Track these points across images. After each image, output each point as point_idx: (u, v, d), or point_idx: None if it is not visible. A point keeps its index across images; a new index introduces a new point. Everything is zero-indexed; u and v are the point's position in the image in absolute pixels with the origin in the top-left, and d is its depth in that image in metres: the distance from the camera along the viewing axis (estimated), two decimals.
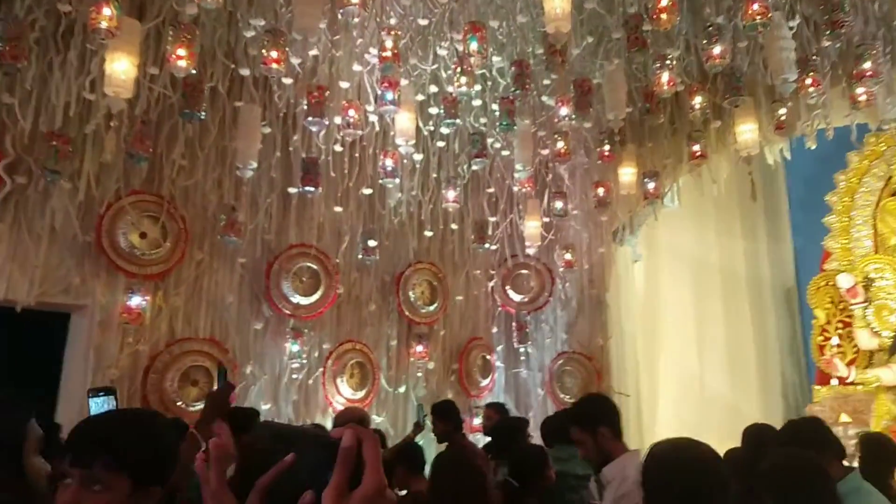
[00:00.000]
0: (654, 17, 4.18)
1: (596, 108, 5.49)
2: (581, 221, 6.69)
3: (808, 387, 8.75)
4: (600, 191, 6.24)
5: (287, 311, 5.71)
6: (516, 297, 6.95)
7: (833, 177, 8.55)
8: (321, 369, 5.86)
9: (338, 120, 5.57)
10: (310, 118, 5.09)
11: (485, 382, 6.72)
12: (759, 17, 4.11)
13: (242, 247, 5.49)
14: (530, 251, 6.57)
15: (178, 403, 5.08)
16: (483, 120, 6.20)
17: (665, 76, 4.98)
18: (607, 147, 6.00)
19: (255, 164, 4.97)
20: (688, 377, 7.77)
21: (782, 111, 5.19)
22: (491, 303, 6.99)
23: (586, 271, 6.72)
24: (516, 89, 5.18)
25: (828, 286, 8.46)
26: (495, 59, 5.53)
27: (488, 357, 6.79)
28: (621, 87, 5.21)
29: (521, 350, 6.87)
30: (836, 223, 8.53)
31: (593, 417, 2.71)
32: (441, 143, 6.30)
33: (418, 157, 6.01)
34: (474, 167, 6.21)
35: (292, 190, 5.67)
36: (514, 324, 6.91)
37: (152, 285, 5.16)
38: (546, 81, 5.82)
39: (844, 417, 8.05)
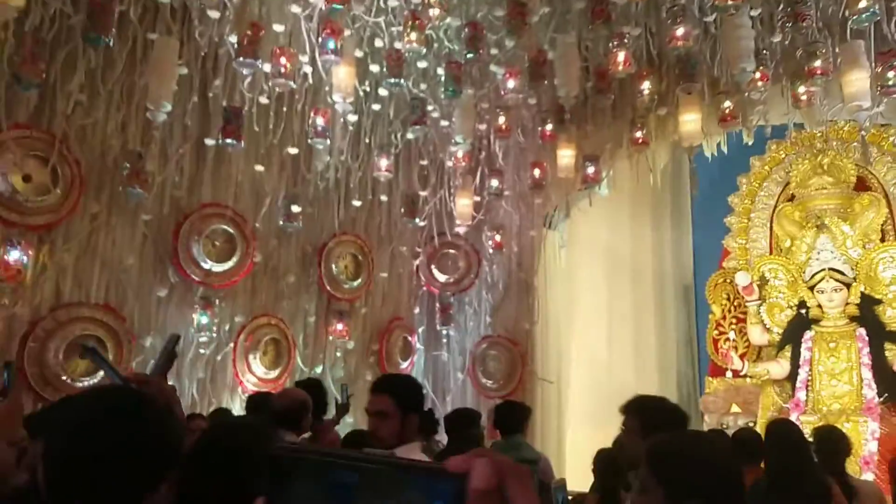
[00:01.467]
0: None
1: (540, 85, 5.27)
2: (512, 203, 6.48)
3: (700, 379, 9.17)
4: (536, 172, 6.06)
5: (196, 278, 5.05)
6: (441, 278, 6.64)
7: (736, 178, 8.97)
8: (231, 344, 5.25)
9: (267, 67, 5.00)
10: (241, 59, 4.50)
11: (404, 365, 6.37)
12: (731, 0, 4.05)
13: (148, 202, 4.78)
14: (460, 230, 6.28)
15: (63, 378, 4.31)
16: (423, 85, 5.81)
17: (621, 55, 4.85)
18: (549, 126, 5.83)
19: (168, 107, 4.33)
20: (598, 366, 7.83)
21: (727, 103, 5.22)
22: (415, 282, 6.63)
23: (515, 254, 6.52)
24: (469, 53, 4.86)
25: (725, 283, 8.87)
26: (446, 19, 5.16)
27: (409, 338, 6.44)
28: (574, 62, 5.03)
29: (444, 332, 6.57)
30: (735, 224, 8.96)
31: (416, 402, 2.53)
32: (376, 106, 5.84)
33: (353, 117, 5.52)
34: (410, 135, 5.83)
35: (209, 141, 5.02)
36: (437, 305, 6.60)
37: (35, 238, 4.34)
38: (494, 51, 5.54)
39: (735, 408, 8.46)
